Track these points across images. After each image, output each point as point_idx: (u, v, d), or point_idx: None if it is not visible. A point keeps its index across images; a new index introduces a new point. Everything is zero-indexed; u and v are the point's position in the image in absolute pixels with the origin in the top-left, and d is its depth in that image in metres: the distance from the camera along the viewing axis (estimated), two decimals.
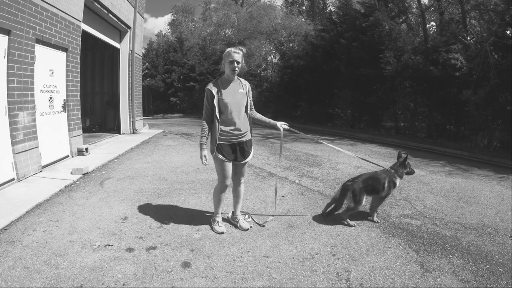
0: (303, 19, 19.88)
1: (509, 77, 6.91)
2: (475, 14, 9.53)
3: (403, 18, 11.07)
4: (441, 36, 9.42)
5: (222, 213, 3.01)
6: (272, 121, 2.93)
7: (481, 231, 2.93)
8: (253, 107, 2.90)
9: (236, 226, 2.94)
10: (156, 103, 20.71)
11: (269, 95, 16.97)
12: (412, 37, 10.48)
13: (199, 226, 2.94)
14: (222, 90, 2.64)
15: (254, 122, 2.90)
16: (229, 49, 2.62)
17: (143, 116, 11.47)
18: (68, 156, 5.65)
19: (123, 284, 2.06)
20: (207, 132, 2.70)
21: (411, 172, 3.21)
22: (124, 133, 9.27)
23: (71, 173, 4.55)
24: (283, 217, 3.21)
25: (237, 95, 2.69)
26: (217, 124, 2.65)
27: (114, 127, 9.72)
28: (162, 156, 6.28)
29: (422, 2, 11.26)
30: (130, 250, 2.49)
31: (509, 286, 2.09)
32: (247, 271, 2.23)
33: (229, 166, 2.74)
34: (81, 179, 4.44)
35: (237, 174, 2.87)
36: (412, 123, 10.45)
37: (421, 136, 9.89)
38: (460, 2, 9.49)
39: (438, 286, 2.08)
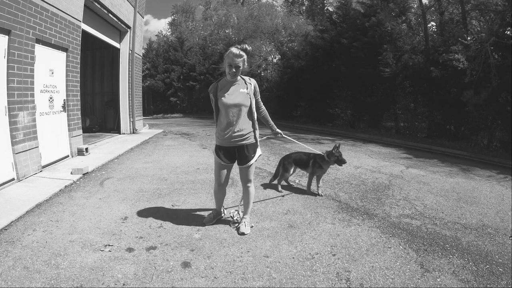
0: (302, 19, 19.85)
1: (509, 78, 6.90)
2: (475, 14, 9.51)
3: (403, 18, 11.06)
4: (441, 36, 9.42)
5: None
6: (274, 126, 2.99)
7: (481, 231, 2.93)
8: (262, 106, 2.78)
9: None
10: (156, 103, 20.70)
11: (269, 95, 16.99)
12: (412, 37, 10.47)
13: (199, 226, 2.94)
14: (222, 91, 2.53)
15: (261, 122, 2.80)
16: (231, 49, 2.39)
17: (143, 116, 11.48)
18: (68, 156, 5.65)
19: (123, 284, 2.06)
20: None
21: (340, 161, 3.65)
22: (124, 133, 9.27)
23: (71, 173, 4.55)
24: (283, 217, 3.21)
25: (237, 96, 2.50)
26: (217, 125, 2.65)
27: (114, 127, 9.72)
28: (162, 156, 6.27)
29: (423, 2, 11.23)
30: (130, 250, 2.49)
31: (509, 286, 2.09)
32: (247, 271, 2.23)
33: (222, 168, 2.71)
34: (81, 179, 4.44)
35: (241, 178, 2.78)
36: (412, 123, 10.44)
37: (421, 136, 9.89)
38: (460, 2, 9.47)
39: (438, 286, 2.08)
